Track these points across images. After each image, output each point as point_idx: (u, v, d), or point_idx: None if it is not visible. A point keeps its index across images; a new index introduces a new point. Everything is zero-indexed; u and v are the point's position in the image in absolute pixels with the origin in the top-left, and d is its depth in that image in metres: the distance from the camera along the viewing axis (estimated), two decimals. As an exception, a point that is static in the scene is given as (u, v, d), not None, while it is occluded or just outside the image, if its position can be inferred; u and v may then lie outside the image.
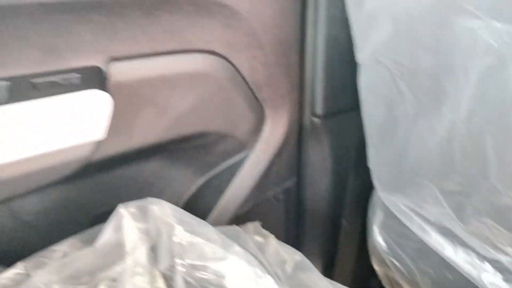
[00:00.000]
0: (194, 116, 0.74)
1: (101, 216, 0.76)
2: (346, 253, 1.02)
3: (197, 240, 0.51)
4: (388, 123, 0.63)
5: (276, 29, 0.74)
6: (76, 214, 0.74)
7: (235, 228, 0.65)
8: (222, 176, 0.84)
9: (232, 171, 0.84)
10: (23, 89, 0.56)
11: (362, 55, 0.63)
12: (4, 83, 0.56)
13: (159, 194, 0.81)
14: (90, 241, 0.63)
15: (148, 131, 0.71)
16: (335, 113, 0.86)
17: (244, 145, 0.83)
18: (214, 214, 0.83)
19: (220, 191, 0.84)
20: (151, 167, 0.80)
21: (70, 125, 0.57)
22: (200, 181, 0.85)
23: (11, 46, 0.56)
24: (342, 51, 0.79)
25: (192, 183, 0.84)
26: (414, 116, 0.57)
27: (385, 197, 0.76)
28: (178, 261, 0.50)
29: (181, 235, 0.52)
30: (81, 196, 0.74)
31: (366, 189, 0.90)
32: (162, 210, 0.56)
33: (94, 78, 0.61)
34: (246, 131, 0.81)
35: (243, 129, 0.81)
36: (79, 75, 0.60)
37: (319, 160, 0.91)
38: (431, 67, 0.51)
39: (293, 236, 0.98)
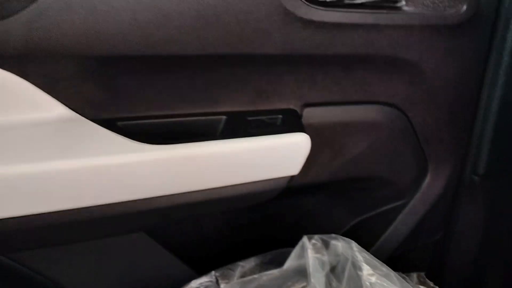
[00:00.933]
0: (364, 161, 0.79)
1: (265, 239, 0.84)
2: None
3: (383, 280, 0.56)
4: None
5: (455, 89, 0.78)
6: (247, 235, 0.83)
7: (401, 274, 0.68)
8: (377, 220, 0.88)
9: (387, 217, 0.87)
10: (238, 123, 0.66)
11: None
12: (223, 117, 0.67)
13: (315, 227, 0.88)
14: (270, 263, 0.70)
15: (321, 169, 0.77)
16: (497, 174, 0.86)
17: (403, 194, 0.86)
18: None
19: (372, 234, 0.88)
20: (313, 201, 0.86)
21: (276, 160, 0.66)
22: (355, 221, 0.89)
23: (231, 87, 0.66)
24: (515, 115, 0.80)
25: (347, 223, 0.89)
26: None
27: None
28: (368, 298, 0.55)
29: (368, 274, 0.57)
30: (252, 220, 0.83)
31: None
32: (347, 248, 0.61)
33: (293, 120, 0.70)
34: (407, 181, 0.85)
35: (405, 179, 0.84)
36: (280, 116, 0.69)
37: (472, 218, 0.91)
38: None
39: None
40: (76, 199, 0.57)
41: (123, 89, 0.61)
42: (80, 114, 0.60)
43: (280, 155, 0.66)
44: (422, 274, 0.73)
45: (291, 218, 0.86)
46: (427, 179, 0.85)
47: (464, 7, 0.70)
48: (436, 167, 0.85)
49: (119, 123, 0.61)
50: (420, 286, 0.67)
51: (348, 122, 0.75)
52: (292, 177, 0.68)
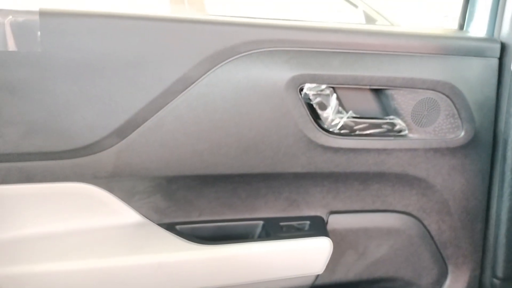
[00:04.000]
0: (386, 262, 0.90)
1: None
2: None
3: None
4: None
5: (465, 201, 0.89)
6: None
7: None
8: (402, 320, 0.95)
9: (413, 317, 0.95)
10: (273, 227, 0.81)
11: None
12: (260, 222, 0.82)
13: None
14: None
15: (347, 270, 0.89)
16: (516, 277, 0.93)
17: (425, 295, 0.94)
18: None
19: (399, 333, 0.95)
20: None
21: (303, 260, 0.78)
22: (384, 320, 0.97)
23: (268, 198, 0.82)
24: (525, 223, 0.89)
25: (375, 321, 0.97)
26: None
27: None
28: None
29: None
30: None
31: None
32: None
33: (319, 225, 0.83)
34: (429, 282, 0.93)
35: (426, 280, 0.93)
36: (308, 222, 0.83)
37: (498, 321, 0.96)
38: None
39: None
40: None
41: (181, 199, 0.78)
42: (148, 219, 0.77)
43: (307, 256, 0.79)
44: None
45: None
46: (448, 281, 0.93)
47: (462, 133, 0.83)
48: (456, 270, 0.93)
49: (177, 227, 0.78)
50: None
51: (369, 228, 0.88)
52: (318, 275, 0.80)
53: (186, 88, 0.72)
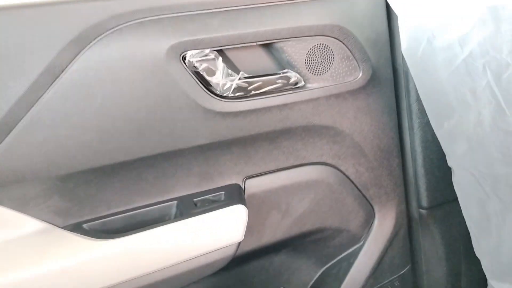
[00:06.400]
0: (311, 215, 0.89)
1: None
2: None
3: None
4: (482, 218, 0.71)
5: (376, 140, 0.89)
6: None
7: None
8: (340, 266, 0.96)
9: (348, 261, 0.96)
10: (187, 206, 0.78)
11: (450, 161, 0.74)
12: (174, 202, 0.79)
13: (287, 283, 0.96)
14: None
15: (274, 230, 0.88)
16: (440, 204, 0.95)
17: (357, 238, 0.95)
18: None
19: (339, 279, 0.96)
20: (279, 259, 0.96)
21: (219, 231, 0.76)
22: (321, 270, 0.97)
23: (178, 176, 0.78)
24: (438, 150, 0.90)
25: (314, 273, 0.97)
26: (502, 214, 0.65)
27: (496, 285, 0.81)
28: None
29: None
30: (223, 286, 0.92)
31: (482, 277, 0.94)
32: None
33: (235, 193, 0.81)
34: (358, 225, 0.94)
35: (355, 224, 0.93)
36: (224, 192, 0.81)
37: (431, 248, 0.98)
38: (507, 174, 0.60)
39: None
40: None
41: (83, 196, 0.73)
42: (50, 223, 0.72)
43: (223, 226, 0.76)
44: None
45: (260, 278, 0.94)
46: (376, 221, 0.94)
47: (360, 73, 0.82)
48: (382, 208, 0.94)
49: (85, 225, 0.73)
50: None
51: (288, 185, 0.86)
52: (239, 243, 0.78)
53: (56, 78, 0.66)
